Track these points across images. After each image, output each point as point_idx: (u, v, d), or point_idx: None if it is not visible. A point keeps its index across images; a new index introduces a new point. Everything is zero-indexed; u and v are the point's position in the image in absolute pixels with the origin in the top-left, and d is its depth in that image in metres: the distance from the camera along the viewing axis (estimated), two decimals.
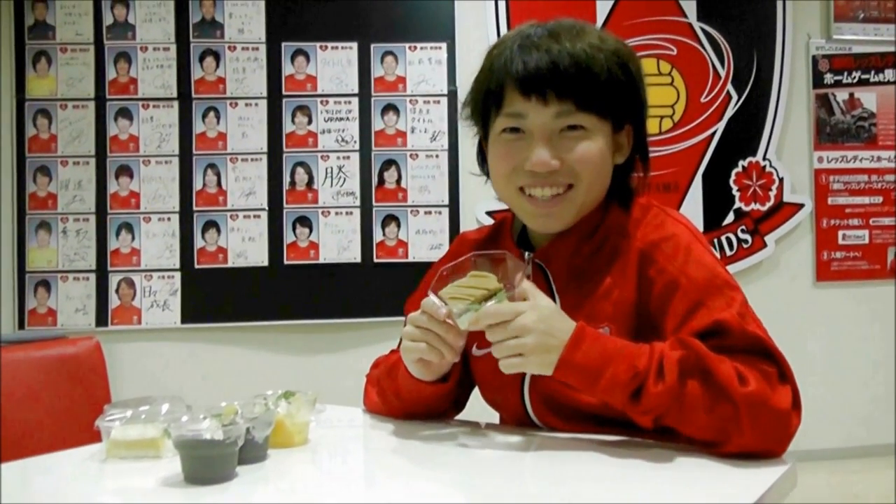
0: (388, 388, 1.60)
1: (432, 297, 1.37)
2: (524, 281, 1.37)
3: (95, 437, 1.42)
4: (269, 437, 1.33)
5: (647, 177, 1.57)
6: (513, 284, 1.35)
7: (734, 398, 1.23)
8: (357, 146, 4.44)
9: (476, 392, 1.65)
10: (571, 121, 1.42)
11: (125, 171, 4.37)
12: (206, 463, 1.22)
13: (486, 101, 1.49)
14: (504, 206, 1.59)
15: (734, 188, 4.72)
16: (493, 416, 1.66)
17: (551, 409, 1.47)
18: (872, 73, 4.86)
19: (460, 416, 1.65)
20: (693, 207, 4.61)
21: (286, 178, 4.41)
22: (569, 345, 1.30)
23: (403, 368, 1.50)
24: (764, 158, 4.74)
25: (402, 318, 1.59)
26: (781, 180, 4.75)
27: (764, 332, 1.34)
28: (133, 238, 4.36)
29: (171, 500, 1.19)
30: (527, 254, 1.52)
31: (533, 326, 1.30)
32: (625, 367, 1.28)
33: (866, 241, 4.86)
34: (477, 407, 1.66)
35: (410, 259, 4.38)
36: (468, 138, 1.62)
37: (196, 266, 4.37)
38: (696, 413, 1.27)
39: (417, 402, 1.56)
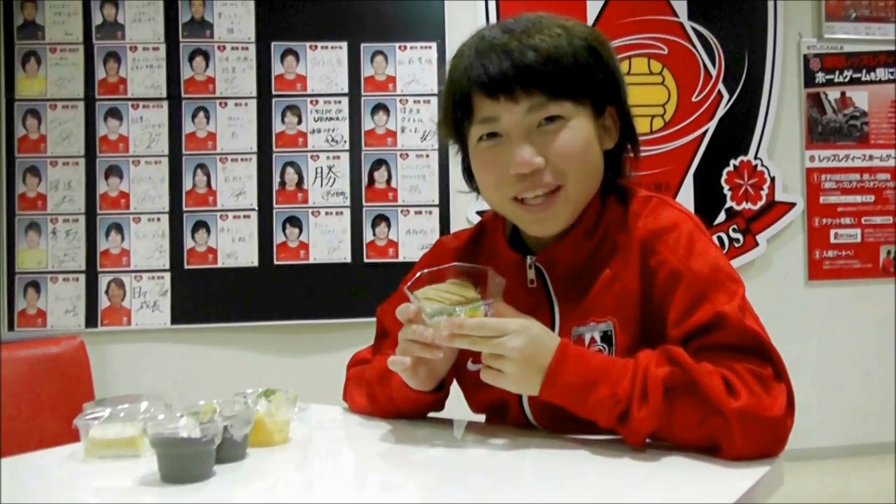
0: (379, 394, 1.58)
1: (407, 293, 1.36)
2: (501, 300, 1.36)
3: (77, 436, 1.41)
4: (249, 436, 1.32)
5: (638, 157, 1.54)
6: (491, 298, 1.34)
7: (724, 413, 1.22)
8: (347, 146, 4.43)
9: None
10: (546, 112, 1.38)
11: (115, 171, 4.36)
12: (183, 462, 1.20)
13: (455, 113, 1.46)
14: None
15: (725, 187, 4.72)
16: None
17: (551, 413, 1.44)
18: (864, 72, 4.86)
19: (456, 416, 1.63)
20: (684, 207, 4.59)
21: (276, 178, 4.40)
22: (551, 368, 1.30)
23: (396, 377, 1.48)
24: (755, 157, 4.74)
25: None
26: (773, 179, 4.75)
27: (761, 328, 1.33)
28: (123, 239, 4.34)
29: (146, 500, 1.18)
30: (528, 258, 1.49)
31: (518, 352, 1.29)
32: (607, 392, 1.27)
33: (858, 239, 4.86)
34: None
35: (401, 259, 4.37)
36: (453, 146, 1.59)
37: (186, 266, 4.35)
38: (685, 430, 1.26)
39: (410, 409, 1.55)
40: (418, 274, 1.40)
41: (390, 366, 1.42)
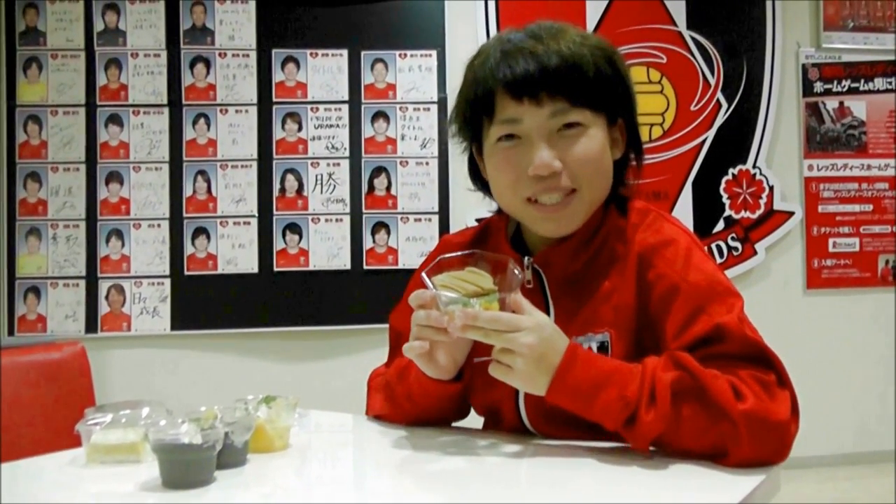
0: (399, 392, 1.57)
1: (424, 279, 1.36)
2: (518, 293, 1.35)
3: (78, 441, 1.42)
4: (249, 442, 1.33)
5: (641, 170, 1.56)
6: (508, 291, 1.34)
7: (732, 416, 1.22)
8: (347, 153, 4.44)
9: None
10: (567, 119, 1.40)
11: (115, 177, 4.37)
12: (184, 467, 1.21)
13: (475, 112, 1.46)
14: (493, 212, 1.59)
15: (724, 196, 4.72)
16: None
17: (547, 418, 1.46)
18: (862, 81, 4.87)
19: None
20: (683, 215, 4.60)
21: (276, 185, 4.41)
22: (560, 369, 1.29)
23: (416, 370, 1.47)
24: (754, 166, 4.75)
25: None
26: (772, 188, 4.75)
27: (761, 338, 1.34)
28: (123, 245, 4.35)
29: None
30: (526, 258, 1.50)
31: (529, 349, 1.28)
32: (615, 395, 1.27)
33: (857, 248, 4.86)
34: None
35: (400, 266, 4.37)
36: (459, 147, 1.59)
37: (186, 273, 4.36)
38: (692, 434, 1.26)
39: (430, 404, 1.54)
40: (438, 258, 1.40)
41: (406, 352, 1.41)
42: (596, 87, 1.41)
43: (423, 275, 1.37)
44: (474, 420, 1.62)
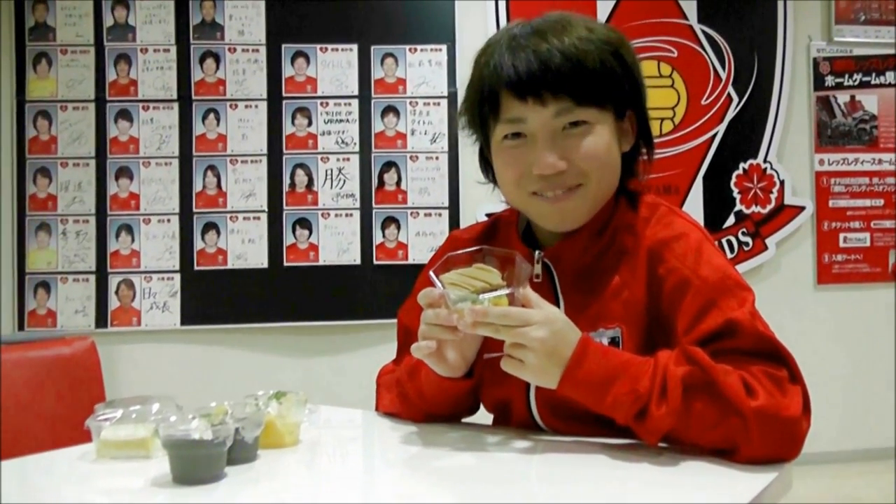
0: (410, 390, 1.56)
1: (432, 277, 1.36)
2: (527, 287, 1.34)
3: (88, 437, 1.42)
4: (260, 438, 1.32)
5: (652, 162, 1.55)
6: (517, 285, 1.33)
7: (743, 412, 1.21)
8: (357, 148, 4.44)
9: None
10: (572, 117, 1.39)
11: (125, 172, 4.37)
12: (195, 463, 1.21)
13: (482, 110, 1.46)
14: (503, 207, 1.59)
15: (735, 190, 4.71)
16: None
17: (558, 413, 1.45)
18: (873, 75, 4.85)
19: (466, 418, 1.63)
20: (694, 210, 4.59)
21: (286, 180, 4.41)
22: (572, 362, 1.29)
23: (426, 368, 1.47)
24: (765, 161, 4.73)
25: None
26: (782, 183, 4.74)
27: (773, 334, 1.33)
28: (133, 240, 4.36)
29: (158, 501, 1.19)
30: (537, 253, 1.50)
31: (541, 343, 1.28)
32: (627, 388, 1.26)
33: (867, 243, 4.85)
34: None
35: (410, 261, 4.36)
36: (468, 140, 1.59)
37: (196, 268, 4.37)
38: (703, 430, 1.26)
39: (442, 401, 1.53)
40: (445, 256, 1.39)
41: (414, 352, 1.41)
42: (601, 83, 1.40)
43: (431, 273, 1.36)
44: (484, 416, 1.62)
